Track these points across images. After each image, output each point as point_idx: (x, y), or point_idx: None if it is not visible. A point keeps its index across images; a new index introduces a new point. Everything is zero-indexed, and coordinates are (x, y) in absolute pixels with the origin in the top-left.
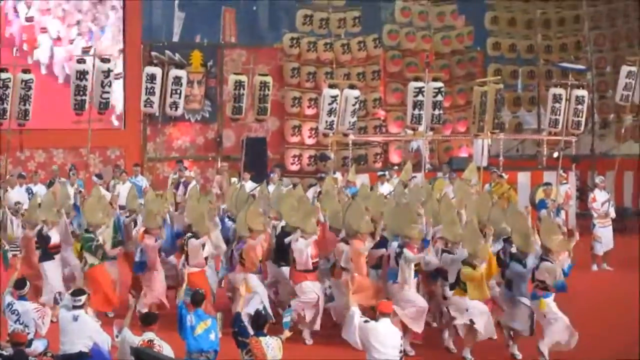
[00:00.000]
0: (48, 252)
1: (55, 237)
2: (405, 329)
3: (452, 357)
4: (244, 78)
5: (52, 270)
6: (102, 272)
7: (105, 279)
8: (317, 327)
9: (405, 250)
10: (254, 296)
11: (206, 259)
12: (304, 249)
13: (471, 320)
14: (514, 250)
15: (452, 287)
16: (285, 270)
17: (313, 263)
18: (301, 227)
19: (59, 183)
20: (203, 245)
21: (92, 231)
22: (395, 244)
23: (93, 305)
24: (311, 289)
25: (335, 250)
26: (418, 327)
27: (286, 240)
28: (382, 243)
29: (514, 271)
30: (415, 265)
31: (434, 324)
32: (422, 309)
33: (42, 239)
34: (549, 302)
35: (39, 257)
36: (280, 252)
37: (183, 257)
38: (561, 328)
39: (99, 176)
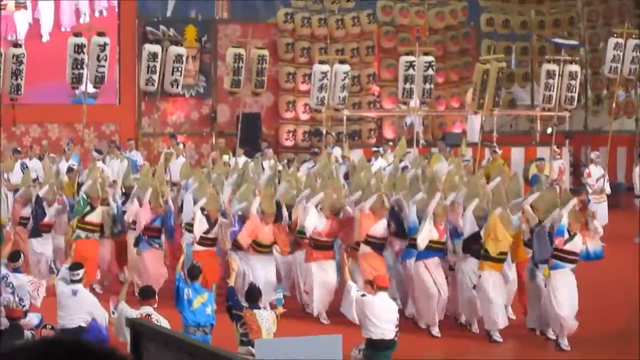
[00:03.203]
0: (39, 228)
1: (50, 216)
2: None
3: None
4: (242, 51)
5: (41, 247)
6: (91, 246)
7: (92, 253)
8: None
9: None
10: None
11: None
12: (312, 210)
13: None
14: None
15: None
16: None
17: (325, 242)
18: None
19: (47, 159)
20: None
21: (92, 204)
22: (414, 219)
23: None
24: (321, 270)
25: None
26: (426, 310)
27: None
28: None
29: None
30: (438, 244)
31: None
32: (432, 295)
33: (37, 214)
34: (555, 274)
35: (30, 233)
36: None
37: (192, 235)
38: (550, 307)
39: (99, 151)
